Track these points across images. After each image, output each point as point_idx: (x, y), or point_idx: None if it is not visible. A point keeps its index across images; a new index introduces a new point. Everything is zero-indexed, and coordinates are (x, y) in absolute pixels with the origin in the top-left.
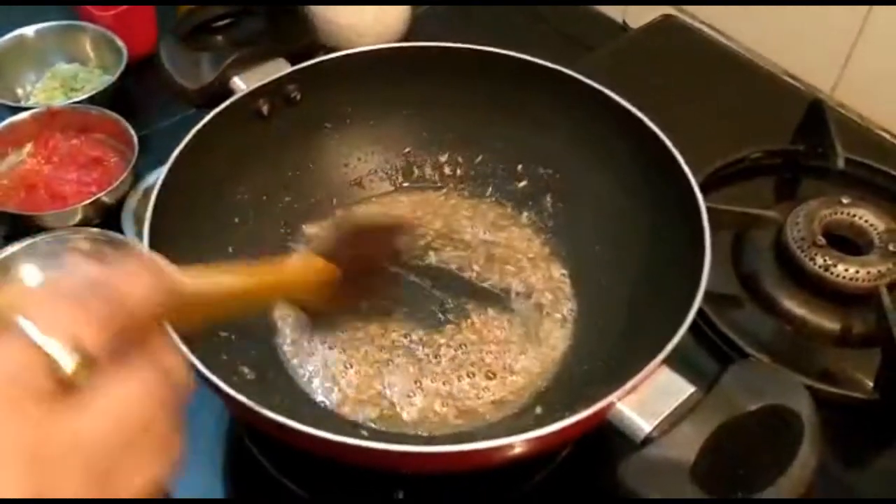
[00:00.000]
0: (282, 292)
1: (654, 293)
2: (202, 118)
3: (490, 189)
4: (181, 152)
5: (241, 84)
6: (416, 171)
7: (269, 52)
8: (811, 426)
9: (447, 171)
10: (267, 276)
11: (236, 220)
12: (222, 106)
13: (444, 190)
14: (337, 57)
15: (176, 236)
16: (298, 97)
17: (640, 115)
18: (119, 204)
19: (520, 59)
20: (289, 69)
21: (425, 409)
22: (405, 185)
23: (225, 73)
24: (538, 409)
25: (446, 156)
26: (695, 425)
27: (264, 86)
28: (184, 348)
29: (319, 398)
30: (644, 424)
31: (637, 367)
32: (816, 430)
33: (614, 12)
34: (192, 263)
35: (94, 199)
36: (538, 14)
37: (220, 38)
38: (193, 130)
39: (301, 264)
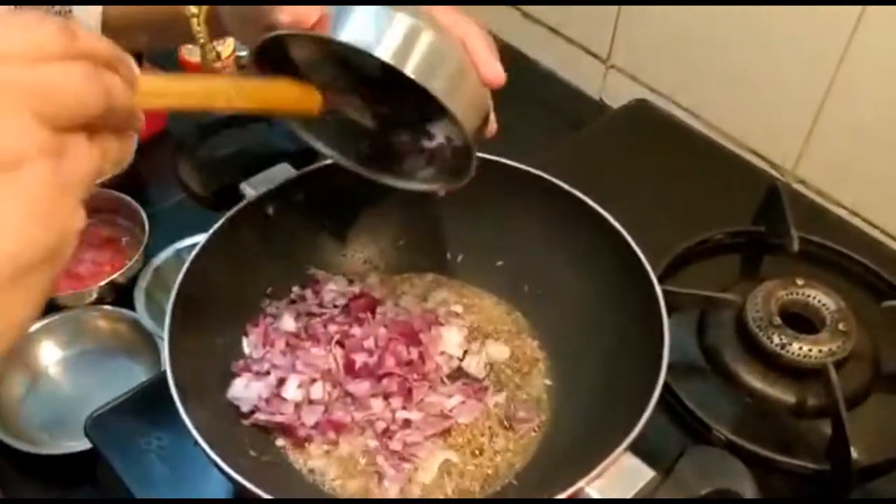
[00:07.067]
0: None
1: (620, 379)
2: None
3: (471, 275)
4: (193, 262)
5: (250, 189)
6: (406, 261)
7: (274, 156)
8: None
9: (433, 260)
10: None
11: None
12: (230, 213)
13: (430, 276)
14: (335, 163)
15: (189, 342)
16: (302, 198)
17: (601, 210)
18: (131, 282)
19: (494, 162)
20: (293, 174)
21: (412, 486)
22: (395, 273)
23: (233, 179)
24: (515, 483)
25: (433, 247)
26: None
27: (270, 191)
28: (199, 438)
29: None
30: None
31: (604, 451)
32: None
33: (592, 91)
34: (207, 357)
35: (108, 280)
36: (522, 91)
37: (228, 140)
38: (203, 240)
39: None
